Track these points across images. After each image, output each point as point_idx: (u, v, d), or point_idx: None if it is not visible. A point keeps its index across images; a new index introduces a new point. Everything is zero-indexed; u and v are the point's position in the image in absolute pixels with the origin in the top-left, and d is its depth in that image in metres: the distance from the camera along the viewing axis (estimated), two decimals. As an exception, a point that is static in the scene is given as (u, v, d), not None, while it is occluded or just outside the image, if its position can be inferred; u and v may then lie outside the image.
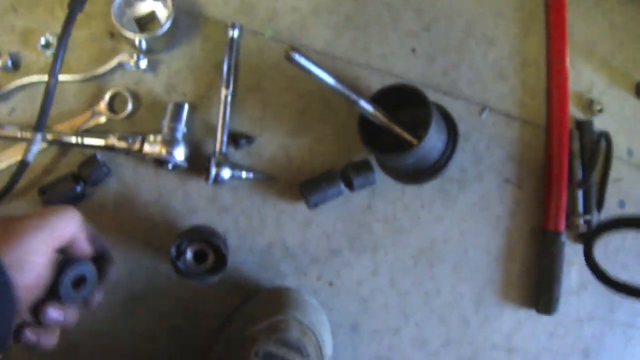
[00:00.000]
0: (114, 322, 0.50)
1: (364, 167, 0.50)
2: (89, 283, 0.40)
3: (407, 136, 0.48)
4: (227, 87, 0.51)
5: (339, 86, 0.44)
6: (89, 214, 0.49)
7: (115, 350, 0.50)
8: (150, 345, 0.50)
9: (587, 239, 0.46)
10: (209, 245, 0.46)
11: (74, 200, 0.50)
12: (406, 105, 0.50)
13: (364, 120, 0.48)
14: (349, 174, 0.49)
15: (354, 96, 0.44)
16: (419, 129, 0.47)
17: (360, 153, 0.52)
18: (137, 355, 0.50)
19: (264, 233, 0.51)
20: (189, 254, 0.45)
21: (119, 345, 0.50)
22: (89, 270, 0.40)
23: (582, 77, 0.60)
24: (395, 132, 0.48)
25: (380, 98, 0.47)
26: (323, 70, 0.42)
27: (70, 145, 0.50)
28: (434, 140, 0.47)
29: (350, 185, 0.50)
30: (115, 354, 0.50)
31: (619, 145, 0.61)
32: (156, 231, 0.50)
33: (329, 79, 0.43)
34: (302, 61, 0.41)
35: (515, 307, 0.56)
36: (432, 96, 0.54)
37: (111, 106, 0.51)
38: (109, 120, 0.51)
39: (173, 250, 0.45)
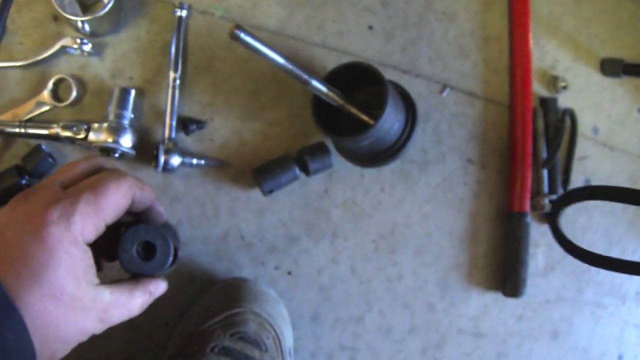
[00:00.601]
0: (65, 320, 0.48)
1: (319, 151, 0.48)
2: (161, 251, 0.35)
3: (363, 117, 0.46)
4: (176, 70, 0.49)
5: (289, 65, 0.41)
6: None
7: (72, 350, 0.48)
8: (107, 342, 0.48)
9: (554, 209, 0.45)
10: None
11: (19, 192, 0.47)
12: (362, 85, 0.48)
13: (319, 102, 0.46)
14: (305, 158, 0.47)
15: (305, 76, 0.42)
16: (376, 110, 0.45)
17: (317, 136, 0.51)
18: (94, 353, 0.48)
19: (218, 222, 0.49)
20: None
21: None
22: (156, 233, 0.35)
23: (546, 53, 0.58)
24: (351, 113, 0.46)
25: (335, 78, 0.46)
26: (271, 49, 0.40)
27: (14, 135, 0.48)
28: (391, 120, 0.45)
29: (306, 170, 0.48)
30: (72, 354, 0.48)
31: (585, 123, 0.60)
32: (105, 223, 0.48)
33: (278, 58, 0.41)
34: (249, 40, 0.38)
35: (482, 290, 0.55)
36: (391, 75, 0.53)
37: (55, 93, 0.49)
38: (53, 108, 0.49)
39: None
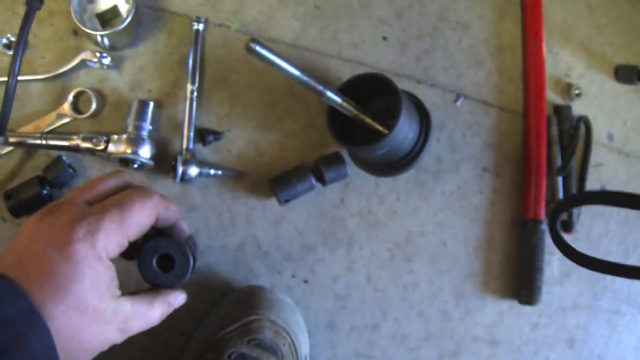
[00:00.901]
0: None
1: (335, 160, 0.48)
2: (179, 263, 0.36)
3: (377, 126, 0.47)
4: (193, 82, 0.50)
5: (304, 77, 0.42)
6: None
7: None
8: (126, 349, 0.49)
9: (552, 214, 0.45)
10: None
11: (41, 204, 0.48)
12: (377, 95, 0.48)
13: (334, 113, 0.46)
14: (320, 168, 0.48)
15: (320, 87, 0.43)
16: (390, 120, 0.46)
17: (333, 147, 0.51)
18: (112, 358, 0.49)
19: (235, 231, 0.50)
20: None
21: (92, 350, 0.49)
22: (174, 247, 0.36)
23: (560, 61, 0.58)
24: (366, 123, 0.46)
25: (349, 89, 0.46)
26: (287, 61, 0.41)
27: (35, 147, 0.49)
28: (405, 129, 0.46)
29: (321, 180, 0.48)
30: (90, 360, 0.49)
31: (599, 130, 0.60)
32: (125, 233, 0.49)
33: (293, 70, 0.41)
34: (264, 52, 0.39)
35: (497, 298, 0.55)
36: (405, 85, 0.53)
37: (75, 106, 0.50)
38: (74, 120, 0.50)
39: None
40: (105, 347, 0.33)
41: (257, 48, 0.38)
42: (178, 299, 0.38)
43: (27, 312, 0.28)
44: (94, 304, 0.30)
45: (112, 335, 0.33)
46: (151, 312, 0.35)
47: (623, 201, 0.41)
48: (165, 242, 0.36)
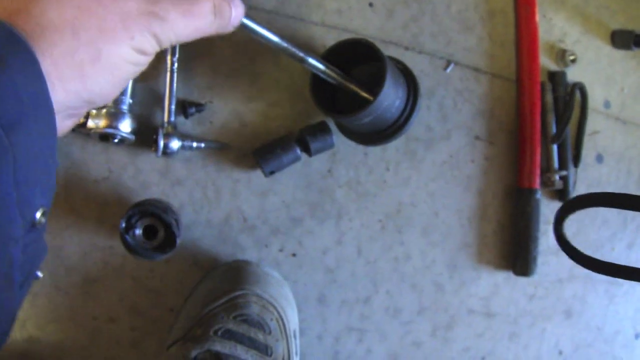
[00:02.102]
0: (72, 307, 0.48)
1: (321, 130, 0.47)
2: None
3: (362, 93, 0.45)
4: (174, 53, 0.48)
5: (284, 44, 0.40)
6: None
7: (78, 336, 0.48)
8: (113, 327, 0.48)
9: (557, 217, 0.44)
10: (161, 222, 0.43)
11: (22, 182, 0.47)
12: (362, 62, 0.47)
13: (318, 81, 0.45)
14: (306, 138, 0.47)
15: (301, 54, 0.41)
16: (376, 86, 0.44)
17: (319, 116, 0.50)
18: (100, 338, 0.48)
19: (220, 205, 0.48)
20: (138, 229, 0.43)
21: (81, 330, 0.48)
22: None
23: (554, 26, 0.56)
24: (351, 91, 0.45)
25: (333, 56, 0.44)
26: (267, 29, 0.39)
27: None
28: (391, 96, 0.44)
29: (307, 150, 0.47)
30: (78, 340, 0.48)
31: (595, 97, 0.58)
32: (108, 209, 0.48)
33: (274, 37, 0.40)
34: (244, 21, 0.38)
35: (492, 270, 0.54)
36: (393, 52, 0.51)
37: (55, 81, 0.49)
38: (53, 97, 0.48)
39: (123, 223, 0.42)
40: (125, 67, 0.28)
41: (245, 21, 0.37)
42: (238, 8, 0.32)
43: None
44: None
45: (137, 30, 0.28)
46: (200, 1, 0.30)
47: (636, 204, 0.39)
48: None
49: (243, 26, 0.37)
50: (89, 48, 0.27)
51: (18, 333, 0.47)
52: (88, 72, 0.27)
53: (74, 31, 0.26)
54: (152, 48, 0.30)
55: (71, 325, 0.48)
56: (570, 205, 0.43)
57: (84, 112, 0.32)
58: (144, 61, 0.30)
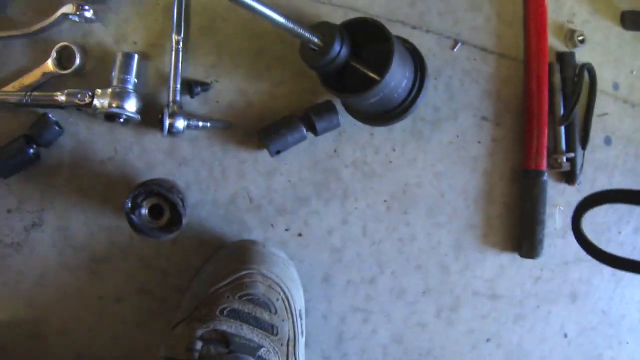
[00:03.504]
0: (79, 287, 0.48)
1: (327, 109, 0.47)
2: None
3: (369, 73, 0.45)
4: (179, 32, 0.48)
5: (289, 24, 0.40)
6: (42, 176, 0.47)
7: (85, 316, 0.48)
8: (119, 307, 0.49)
9: (575, 213, 0.43)
10: (166, 201, 0.43)
11: (28, 163, 0.47)
12: (369, 42, 0.46)
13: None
14: (311, 117, 0.46)
15: (307, 34, 0.41)
16: (384, 66, 0.44)
17: (325, 95, 0.49)
18: (106, 317, 0.49)
19: (226, 184, 0.48)
20: (144, 209, 0.43)
21: (87, 310, 0.48)
22: None
23: (563, 5, 0.56)
24: (358, 70, 0.44)
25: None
26: (270, 8, 0.38)
27: (20, 106, 0.47)
28: (398, 76, 0.44)
29: (313, 129, 0.47)
30: (85, 320, 0.49)
31: (604, 78, 0.57)
32: (114, 189, 0.48)
33: (278, 17, 0.39)
34: (246, 1, 0.37)
35: (497, 251, 0.54)
36: (400, 31, 0.51)
37: (59, 62, 0.48)
38: (58, 77, 0.48)
39: (128, 203, 0.42)
40: None
41: None
42: None
43: None
44: None
45: None
46: None
47: None
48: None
49: (247, 6, 0.36)
50: None
51: (24, 311, 0.47)
52: None
53: None
54: None
55: (77, 305, 0.48)
56: (589, 201, 0.42)
57: None
58: None
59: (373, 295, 0.51)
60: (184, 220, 0.43)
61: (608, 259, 0.43)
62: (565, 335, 0.57)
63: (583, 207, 0.42)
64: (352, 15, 0.50)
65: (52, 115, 0.47)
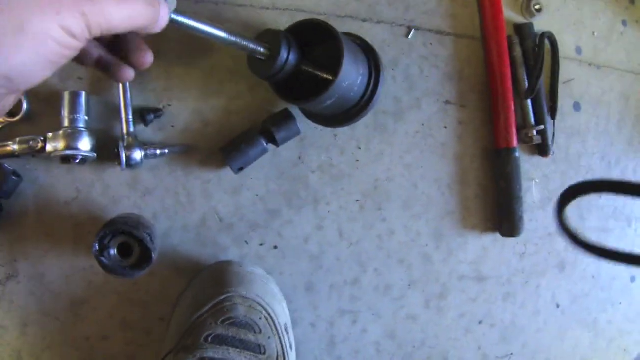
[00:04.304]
0: (64, 332, 0.48)
1: (284, 119, 0.46)
2: None
3: (322, 74, 0.44)
4: (123, 60, 0.46)
5: (230, 37, 0.38)
6: (9, 227, 0.46)
7: (74, 359, 0.48)
8: (107, 344, 0.48)
9: (558, 205, 0.43)
10: (134, 238, 0.43)
11: (-10, 215, 0.46)
12: (319, 43, 0.45)
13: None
14: (270, 129, 0.45)
15: (251, 45, 0.40)
16: (336, 67, 0.43)
17: (283, 104, 0.48)
18: (96, 357, 0.48)
19: (194, 208, 0.48)
20: (112, 249, 0.42)
21: (76, 352, 0.48)
22: None
23: (514, -25, 0.54)
24: (310, 73, 0.43)
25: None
26: (210, 25, 0.37)
27: (-28, 159, 0.46)
28: (352, 74, 0.43)
29: (273, 141, 0.46)
30: (73, 356, 0.48)
31: (566, 44, 0.56)
32: (83, 229, 0.47)
33: (217, 32, 0.38)
34: (182, 20, 0.36)
35: (478, 234, 0.54)
36: (351, 26, 0.50)
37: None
38: (8, 125, 0.47)
39: (96, 245, 0.42)
40: (50, 52, 0.27)
41: (174, 17, 0.35)
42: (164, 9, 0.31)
43: None
44: None
45: (65, 19, 0.26)
46: None
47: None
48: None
49: (187, 28, 0.35)
50: (11, 17, 0.25)
51: (14, 363, 0.47)
52: (9, 43, 0.25)
53: None
54: (81, 30, 0.28)
55: (66, 349, 0.48)
56: (571, 192, 0.42)
57: (4, 97, 0.30)
58: (72, 46, 0.28)
59: (358, 295, 0.51)
60: (154, 255, 0.42)
61: (594, 250, 0.42)
62: (558, 306, 0.57)
63: (565, 199, 0.42)
64: (298, 17, 0.49)
65: (8, 165, 0.46)
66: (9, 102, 0.31)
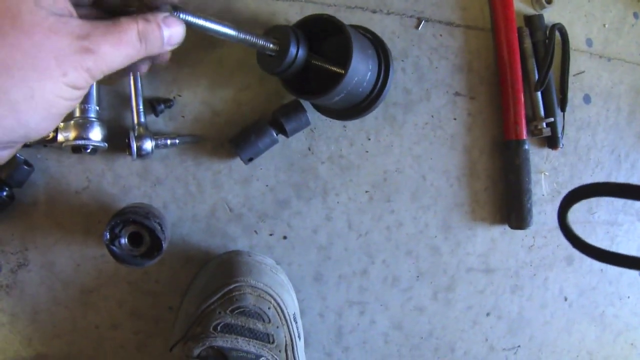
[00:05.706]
0: (74, 320, 0.48)
1: (294, 110, 0.46)
2: None
3: (332, 68, 0.43)
4: (134, 50, 0.46)
5: (239, 34, 0.38)
6: (20, 216, 0.47)
7: (85, 347, 0.48)
8: (117, 333, 0.49)
9: (561, 208, 0.42)
10: (144, 228, 0.43)
11: (4, 206, 0.47)
12: (328, 36, 0.45)
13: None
14: (280, 120, 0.45)
15: (260, 41, 0.39)
16: (346, 58, 0.43)
17: (291, 95, 0.48)
18: (105, 345, 0.49)
19: (204, 198, 0.48)
20: (123, 238, 0.43)
21: (86, 340, 0.48)
22: None
23: (525, -34, 0.54)
24: (320, 68, 0.43)
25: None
26: (218, 22, 0.37)
27: (-15, 147, 0.47)
28: (361, 69, 0.42)
29: (283, 132, 0.46)
30: (84, 351, 0.49)
31: (576, 36, 0.56)
32: (94, 218, 0.47)
33: (226, 30, 0.37)
34: (190, 19, 0.35)
35: (487, 226, 0.54)
36: (360, 17, 0.49)
37: (20, 96, 0.47)
38: (21, 112, 0.47)
39: (107, 234, 0.42)
40: (59, 108, 0.29)
41: (182, 16, 0.35)
42: (173, 28, 0.32)
43: None
44: (27, 9, 0.25)
45: (70, 58, 0.27)
46: (126, 29, 0.29)
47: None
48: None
49: (194, 26, 0.35)
50: (22, 87, 0.27)
51: (25, 351, 0.47)
52: (22, 110, 0.27)
53: (7, 70, 0.26)
54: (86, 82, 0.29)
55: (75, 337, 0.48)
56: (574, 195, 0.41)
57: (20, 145, 0.32)
58: (78, 95, 0.30)
59: (367, 286, 0.51)
60: (165, 245, 0.42)
61: (596, 254, 0.42)
62: (566, 299, 0.57)
63: (568, 202, 0.41)
64: (308, 8, 0.49)
65: (20, 154, 0.46)
66: (15, 149, 0.32)
